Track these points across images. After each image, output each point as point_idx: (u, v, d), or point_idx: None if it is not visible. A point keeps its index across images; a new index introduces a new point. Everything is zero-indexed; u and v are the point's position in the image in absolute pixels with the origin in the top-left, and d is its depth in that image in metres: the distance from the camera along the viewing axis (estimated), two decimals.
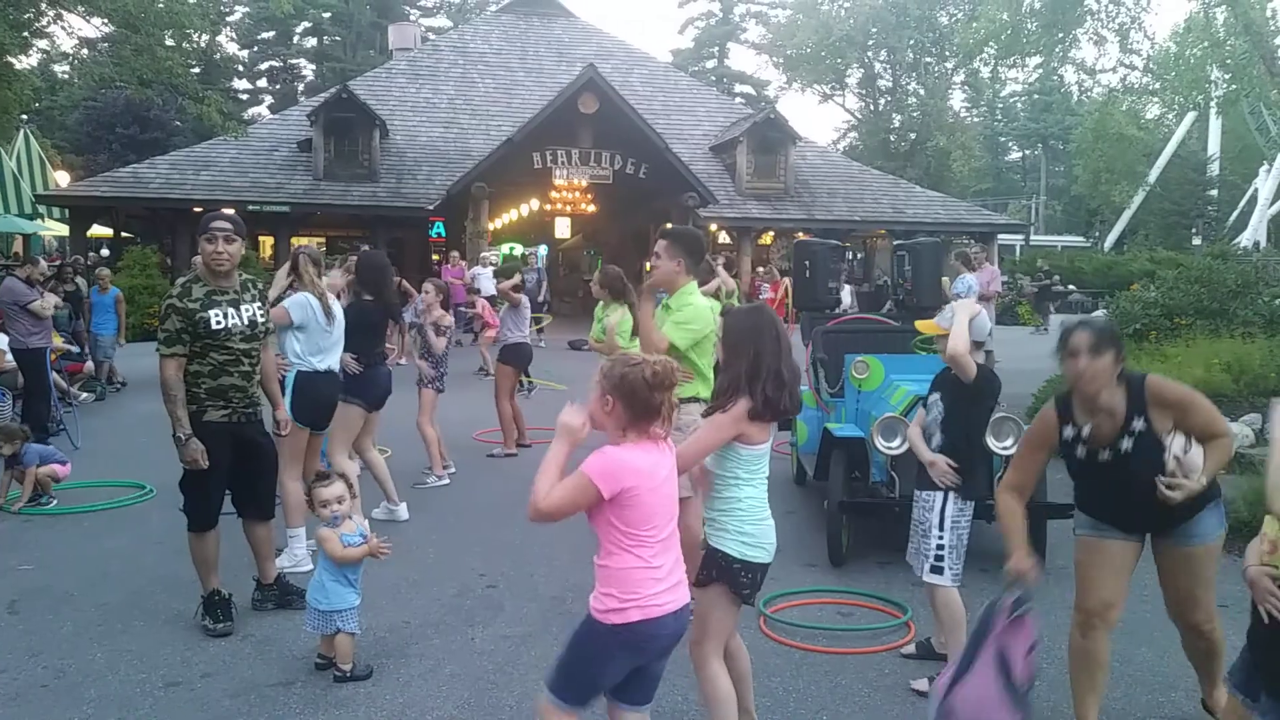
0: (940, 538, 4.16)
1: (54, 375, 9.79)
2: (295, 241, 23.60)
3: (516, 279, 10.34)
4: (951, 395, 4.32)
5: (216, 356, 4.67)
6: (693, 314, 4.82)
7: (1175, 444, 3.41)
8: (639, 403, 2.77)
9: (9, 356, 9.12)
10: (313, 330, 5.73)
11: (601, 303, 6.90)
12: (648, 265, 5.50)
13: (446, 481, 7.79)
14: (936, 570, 4.17)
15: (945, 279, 12.33)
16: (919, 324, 4.75)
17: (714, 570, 3.38)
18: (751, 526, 3.37)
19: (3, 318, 9.61)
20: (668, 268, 4.91)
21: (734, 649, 3.56)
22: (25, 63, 19.69)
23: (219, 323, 4.65)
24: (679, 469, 3.18)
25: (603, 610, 2.83)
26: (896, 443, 5.56)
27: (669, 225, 5.35)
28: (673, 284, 4.92)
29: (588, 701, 2.95)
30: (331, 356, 5.88)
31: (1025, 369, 14.10)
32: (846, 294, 12.73)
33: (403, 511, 6.72)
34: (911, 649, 4.56)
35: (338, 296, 6.51)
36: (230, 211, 4.86)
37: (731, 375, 3.40)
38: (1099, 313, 19.89)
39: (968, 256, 12.90)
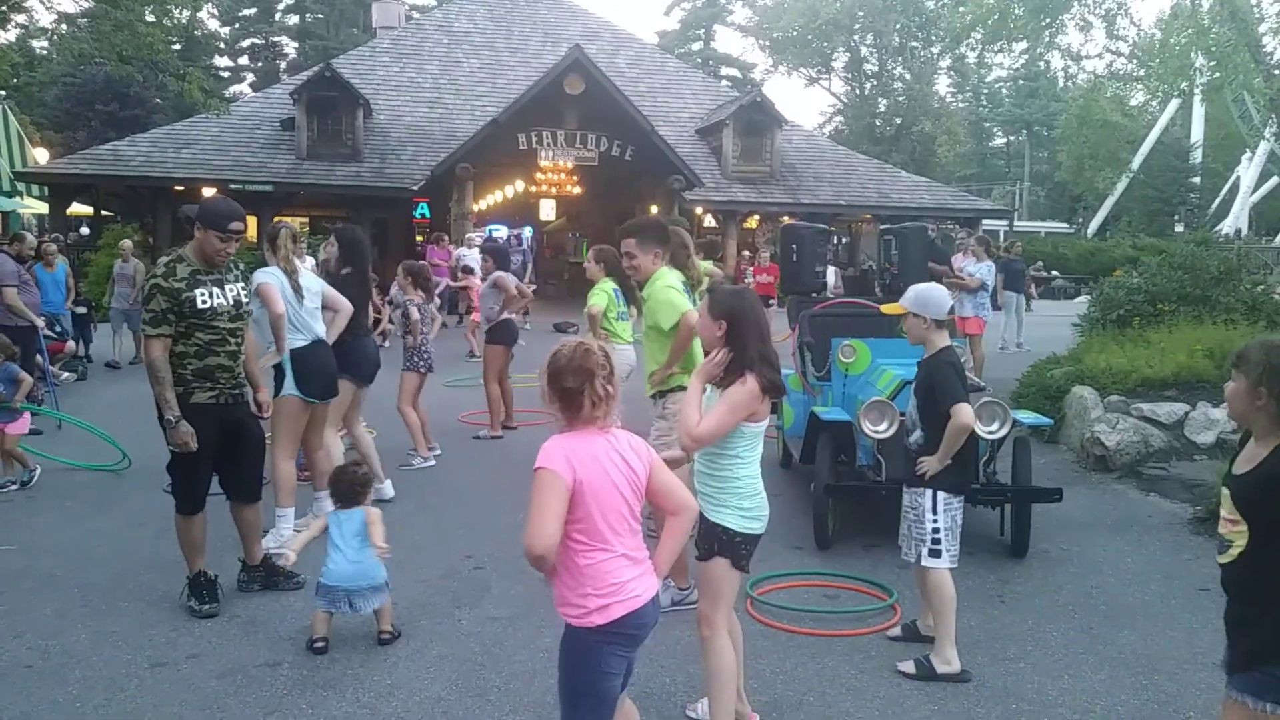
0: (935, 521, 4.20)
1: (37, 356, 9.67)
2: (278, 221, 23.45)
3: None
4: (920, 394, 4.36)
5: (202, 336, 4.63)
6: (664, 297, 4.97)
7: None
8: (557, 388, 2.72)
9: None
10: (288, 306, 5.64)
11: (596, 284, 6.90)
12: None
13: (432, 463, 7.77)
14: (935, 554, 4.20)
15: (959, 264, 12.33)
16: (884, 307, 4.77)
17: (715, 544, 3.44)
18: (749, 501, 3.44)
19: None
20: (646, 263, 5.04)
21: (729, 624, 3.59)
22: (3, 38, 19.42)
23: (205, 302, 4.62)
24: (696, 443, 3.28)
25: (583, 613, 2.70)
26: (883, 426, 5.57)
27: (628, 223, 5.30)
28: (649, 274, 5.06)
29: (610, 717, 2.85)
30: (315, 326, 5.80)
31: (1011, 354, 14.21)
32: (831, 275, 12.64)
33: (388, 489, 6.69)
34: (897, 631, 4.58)
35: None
36: (238, 207, 4.80)
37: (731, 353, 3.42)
38: (1081, 299, 19.98)
39: (988, 242, 12.90)
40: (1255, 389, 2.61)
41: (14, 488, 7.00)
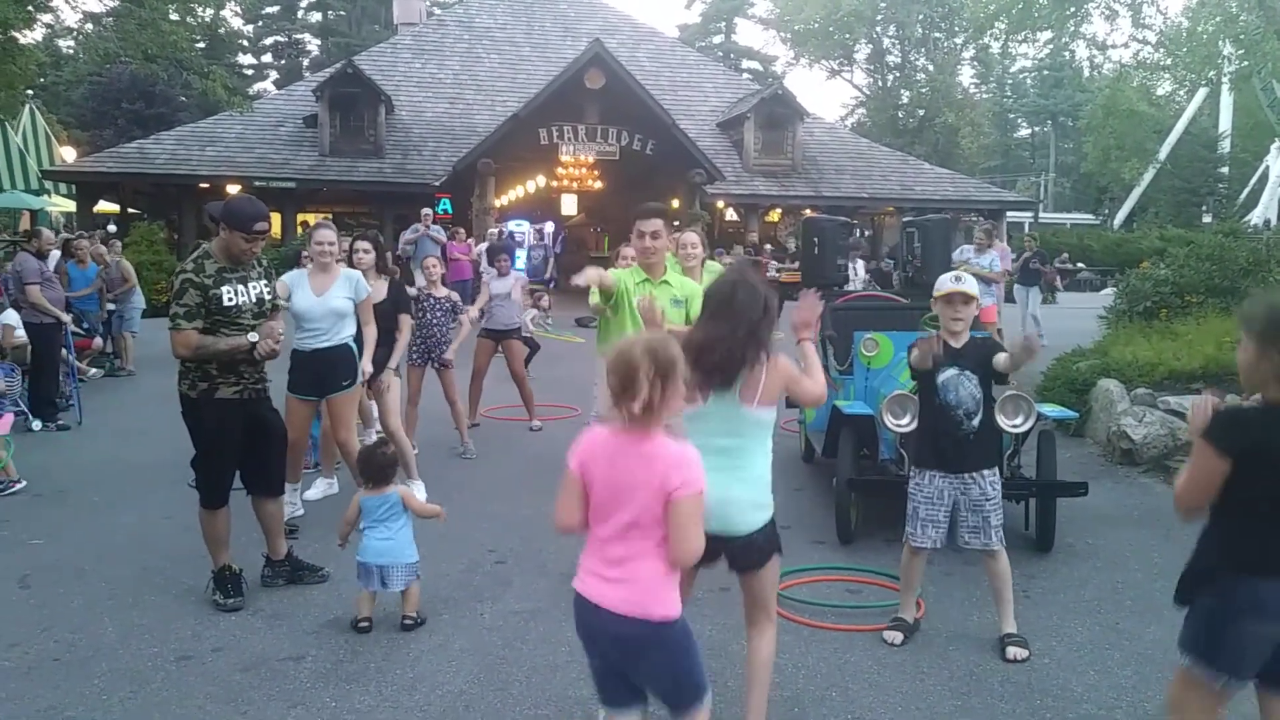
0: (999, 505, 4.38)
1: (64, 351, 9.77)
2: (302, 218, 23.59)
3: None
4: (985, 373, 4.33)
5: (227, 333, 4.67)
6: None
7: None
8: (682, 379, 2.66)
9: (19, 332, 9.12)
10: None
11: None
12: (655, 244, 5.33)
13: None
14: (1001, 539, 4.36)
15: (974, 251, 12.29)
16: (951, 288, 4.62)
17: (777, 545, 3.38)
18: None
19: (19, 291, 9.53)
20: (669, 248, 5.14)
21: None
22: (30, 37, 19.58)
23: (230, 300, 4.67)
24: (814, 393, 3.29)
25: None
26: (906, 420, 5.53)
27: (649, 204, 5.37)
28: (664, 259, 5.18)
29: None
30: None
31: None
32: (860, 268, 12.57)
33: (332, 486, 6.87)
34: (899, 637, 4.44)
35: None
36: (262, 207, 4.85)
37: (737, 341, 3.22)
38: (1108, 290, 19.82)
39: (990, 231, 12.94)
40: (1264, 350, 2.64)
41: (15, 489, 6.83)
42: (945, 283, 4.39)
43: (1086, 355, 9.56)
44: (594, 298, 5.20)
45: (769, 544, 3.33)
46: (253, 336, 4.67)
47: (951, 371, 4.32)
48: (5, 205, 22.97)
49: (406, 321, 6.89)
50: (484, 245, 17.72)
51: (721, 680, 3.85)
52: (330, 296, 5.85)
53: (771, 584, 3.40)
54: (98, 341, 12.21)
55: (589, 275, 4.87)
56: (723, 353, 3.20)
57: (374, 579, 4.54)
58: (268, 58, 53.73)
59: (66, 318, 9.80)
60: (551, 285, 20.20)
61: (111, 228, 25.08)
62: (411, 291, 7.92)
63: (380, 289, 6.74)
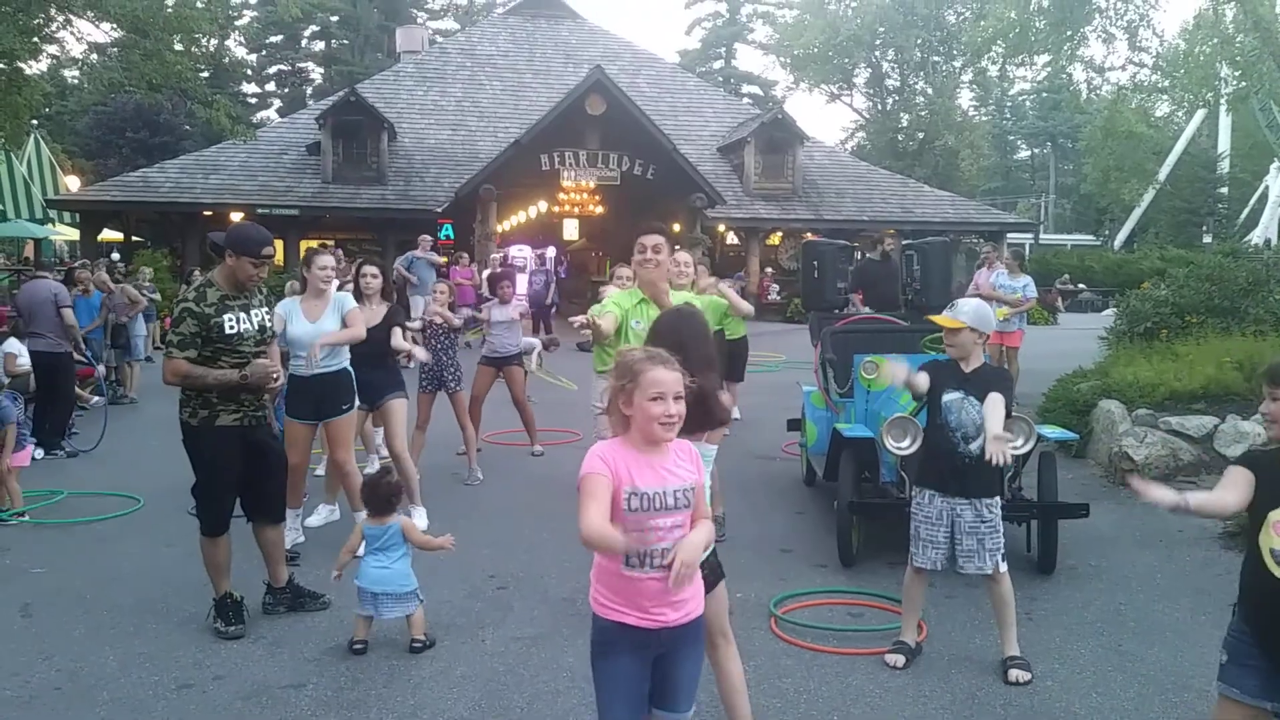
0: (997, 529, 4.38)
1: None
2: (305, 244, 23.71)
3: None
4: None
5: (228, 361, 4.69)
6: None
7: None
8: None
9: (22, 360, 9.13)
10: None
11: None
12: (655, 261, 5.24)
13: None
14: (1004, 558, 4.37)
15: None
16: (940, 319, 4.63)
17: (722, 570, 3.42)
18: None
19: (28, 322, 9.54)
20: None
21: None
22: (35, 68, 19.73)
23: (232, 328, 4.69)
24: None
25: None
26: (906, 443, 5.54)
27: (653, 223, 5.33)
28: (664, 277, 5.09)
29: None
30: None
31: (1036, 368, 14.09)
32: None
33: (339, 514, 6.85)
34: (901, 660, 4.43)
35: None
36: (267, 232, 4.89)
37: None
38: (1108, 312, 19.87)
39: (1022, 257, 13.17)
40: None
41: (23, 519, 6.83)
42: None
43: (1087, 376, 9.56)
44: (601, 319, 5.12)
45: (717, 567, 3.36)
46: (244, 376, 4.69)
47: (957, 395, 4.35)
48: (9, 234, 23.11)
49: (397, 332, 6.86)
50: (488, 272, 17.79)
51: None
52: (323, 323, 5.94)
53: (724, 605, 3.48)
54: (99, 370, 12.22)
55: (587, 319, 4.81)
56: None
57: (368, 605, 4.58)
58: (271, 86, 54.02)
59: (82, 344, 9.87)
60: (554, 310, 20.22)
61: (115, 256, 25.23)
62: (415, 324, 7.93)
63: (379, 313, 6.79)
